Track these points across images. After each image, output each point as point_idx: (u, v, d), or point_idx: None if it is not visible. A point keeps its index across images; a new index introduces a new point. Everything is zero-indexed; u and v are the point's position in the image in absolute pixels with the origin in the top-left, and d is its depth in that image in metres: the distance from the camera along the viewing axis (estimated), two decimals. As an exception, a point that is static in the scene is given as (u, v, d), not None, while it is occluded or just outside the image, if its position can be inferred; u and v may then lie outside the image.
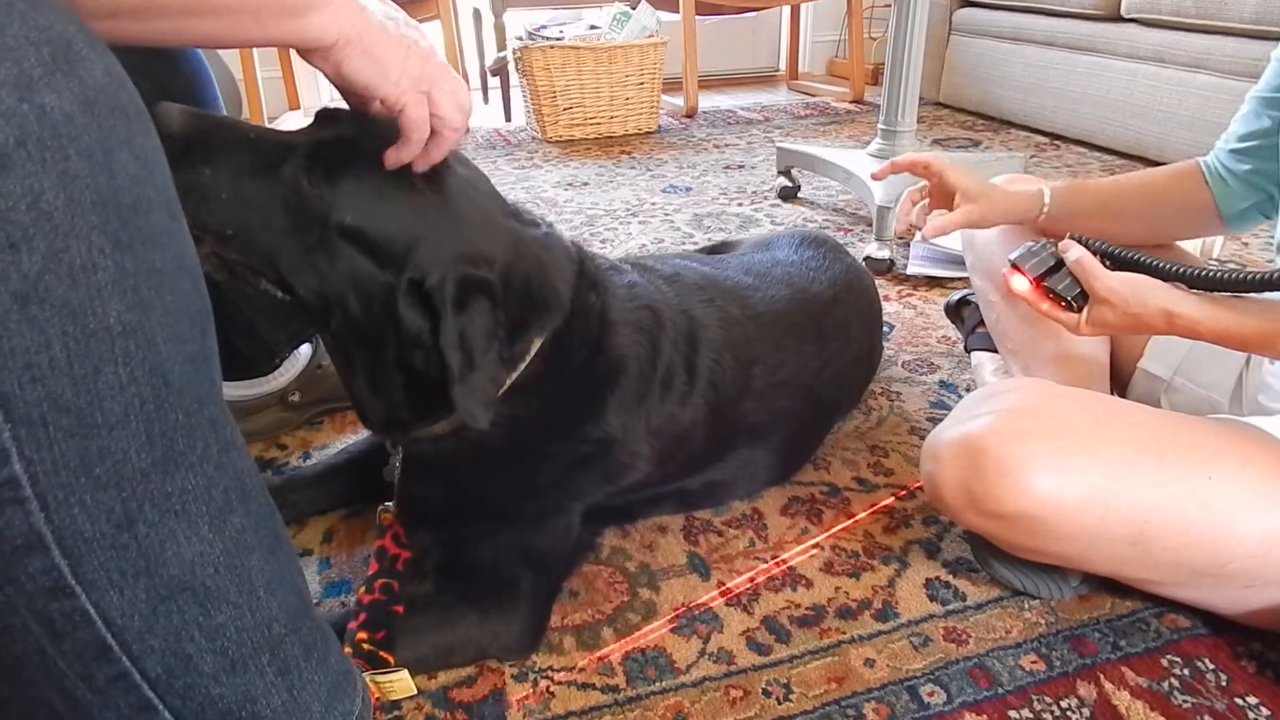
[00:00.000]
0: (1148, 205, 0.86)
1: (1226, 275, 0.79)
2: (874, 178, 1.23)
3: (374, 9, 0.63)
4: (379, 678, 0.74)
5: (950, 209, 1.08)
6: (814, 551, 0.97)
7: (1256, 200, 1.01)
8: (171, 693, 0.50)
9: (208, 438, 0.50)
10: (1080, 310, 0.87)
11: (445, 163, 0.76)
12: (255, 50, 2.76)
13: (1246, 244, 1.89)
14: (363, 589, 0.83)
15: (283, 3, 0.57)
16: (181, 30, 0.55)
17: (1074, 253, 0.86)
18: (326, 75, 0.63)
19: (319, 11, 0.58)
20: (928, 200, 1.13)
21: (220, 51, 2.96)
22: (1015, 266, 0.91)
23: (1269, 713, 0.76)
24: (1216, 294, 0.81)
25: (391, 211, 0.72)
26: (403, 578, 0.85)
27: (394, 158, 0.70)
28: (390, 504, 0.90)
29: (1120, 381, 1.10)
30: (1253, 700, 0.77)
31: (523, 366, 0.81)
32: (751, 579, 0.94)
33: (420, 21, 3.12)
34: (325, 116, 0.75)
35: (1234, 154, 1.01)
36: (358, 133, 0.72)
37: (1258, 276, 0.76)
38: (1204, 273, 0.81)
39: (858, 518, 1.03)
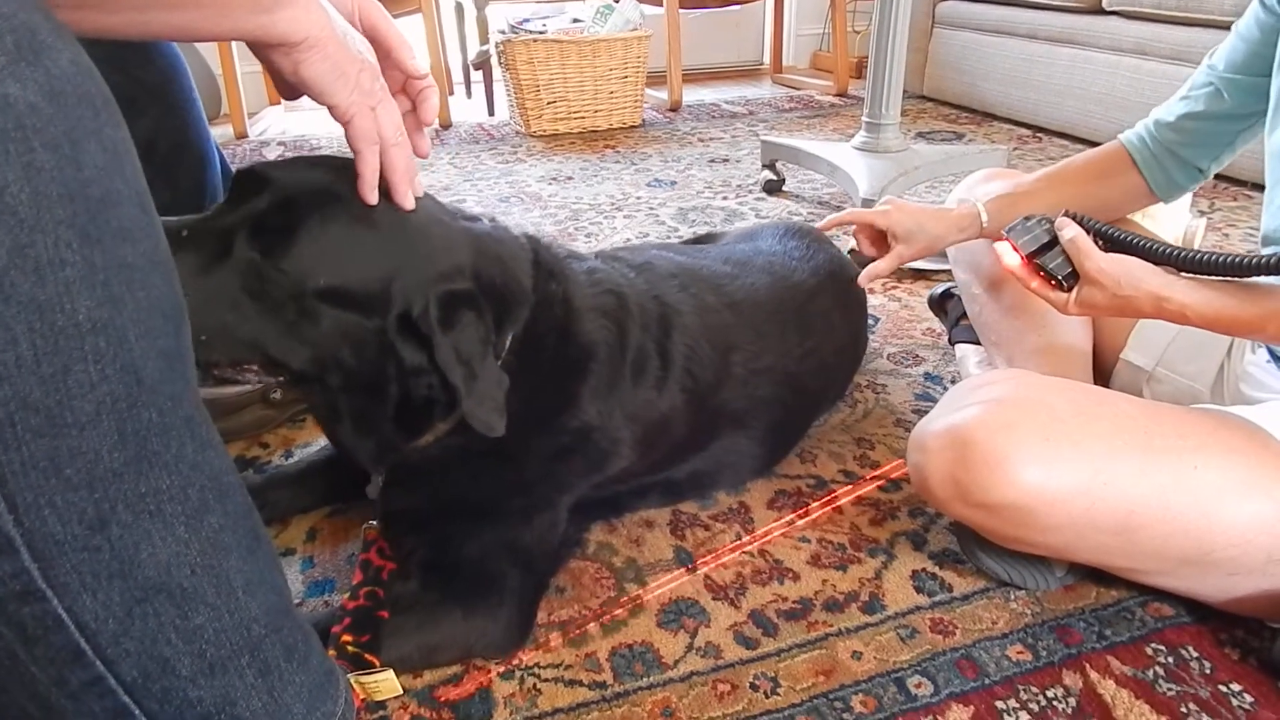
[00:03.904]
0: (1083, 203, 0.88)
1: (1220, 259, 0.78)
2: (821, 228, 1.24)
3: (335, 18, 0.63)
4: (364, 679, 0.74)
5: (883, 248, 1.12)
6: (799, 544, 0.97)
7: (1188, 176, 1.04)
8: (148, 696, 0.49)
9: (183, 436, 0.49)
10: (1070, 290, 0.87)
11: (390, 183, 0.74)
12: (234, 45, 2.73)
13: (1227, 235, 1.90)
14: (347, 596, 0.82)
15: None
16: (149, 22, 0.54)
17: (1069, 231, 0.86)
18: (283, 73, 0.62)
19: (288, 8, 0.58)
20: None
21: (199, 46, 2.93)
22: (1009, 241, 0.90)
23: (1252, 699, 0.77)
24: (1207, 278, 0.81)
25: (360, 256, 0.71)
26: (388, 586, 0.84)
27: (364, 184, 0.69)
28: (374, 522, 0.89)
29: (1103, 372, 1.11)
30: (1236, 687, 0.78)
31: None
32: (719, 556, 0.94)
33: (402, 16, 3.12)
34: (244, 179, 0.72)
35: (1176, 129, 1.02)
36: (290, 188, 0.70)
37: (1250, 261, 0.76)
38: (1198, 256, 0.80)
39: (838, 502, 1.03)
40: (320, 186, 0.71)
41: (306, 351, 0.72)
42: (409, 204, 0.72)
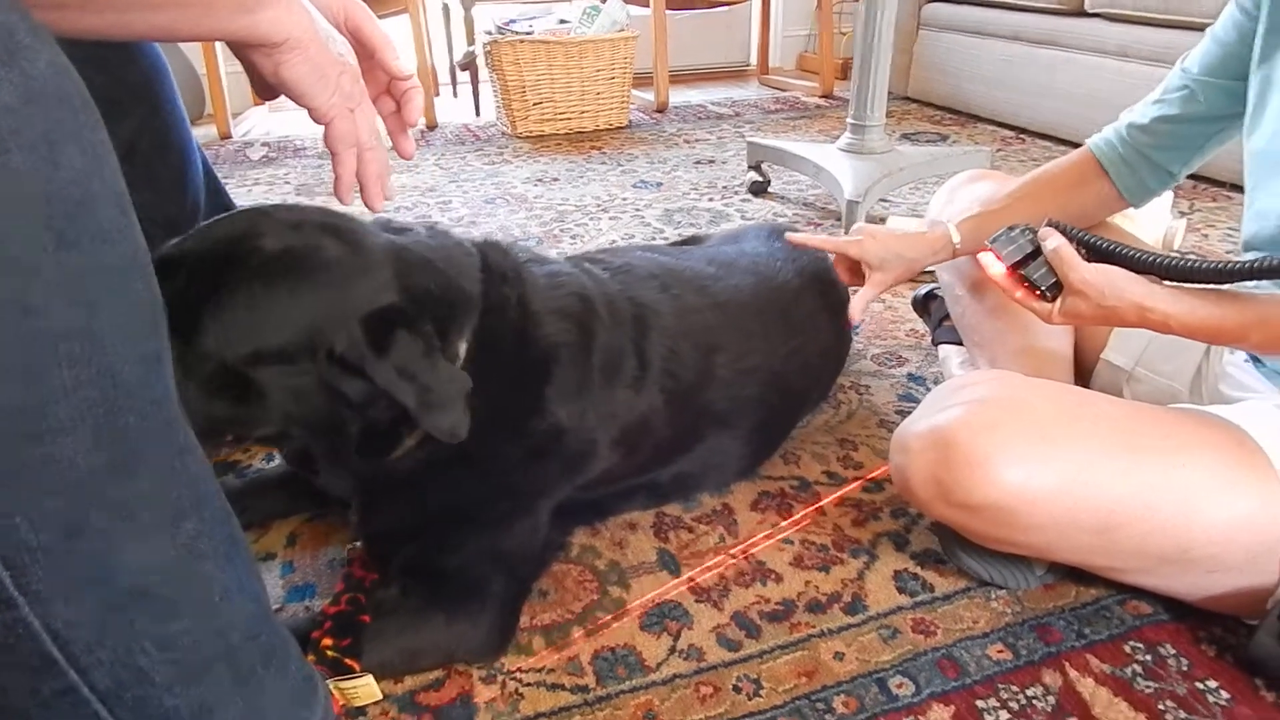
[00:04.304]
0: (1055, 215, 0.89)
1: (1203, 266, 0.78)
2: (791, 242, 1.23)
3: (318, 20, 0.63)
4: (343, 684, 0.73)
5: (858, 275, 1.13)
6: (782, 545, 0.98)
7: (1159, 180, 1.04)
8: (122, 706, 0.48)
9: (161, 441, 0.48)
10: (1054, 300, 0.88)
11: (298, 225, 0.73)
12: (219, 45, 2.71)
13: (1206, 235, 1.92)
14: (329, 602, 0.82)
15: None
16: (131, 22, 0.54)
17: (1052, 242, 0.86)
18: (263, 74, 0.61)
19: (271, 8, 0.57)
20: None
21: (183, 46, 2.91)
22: (992, 252, 0.90)
23: (1229, 696, 0.77)
24: (1191, 286, 0.81)
25: (269, 311, 0.69)
26: (369, 592, 0.84)
27: (341, 186, 0.69)
28: (357, 544, 0.89)
29: (1083, 372, 1.11)
30: (1213, 684, 0.79)
31: None
32: (709, 568, 0.94)
33: (388, 16, 3.10)
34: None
35: (1149, 132, 1.02)
36: (188, 267, 0.69)
37: (1234, 266, 0.76)
38: (1181, 263, 0.80)
39: (821, 504, 1.03)
40: (215, 256, 0.70)
41: (260, 417, 0.72)
42: (379, 206, 0.72)
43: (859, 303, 1.11)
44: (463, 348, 0.80)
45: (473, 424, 0.75)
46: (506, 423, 0.84)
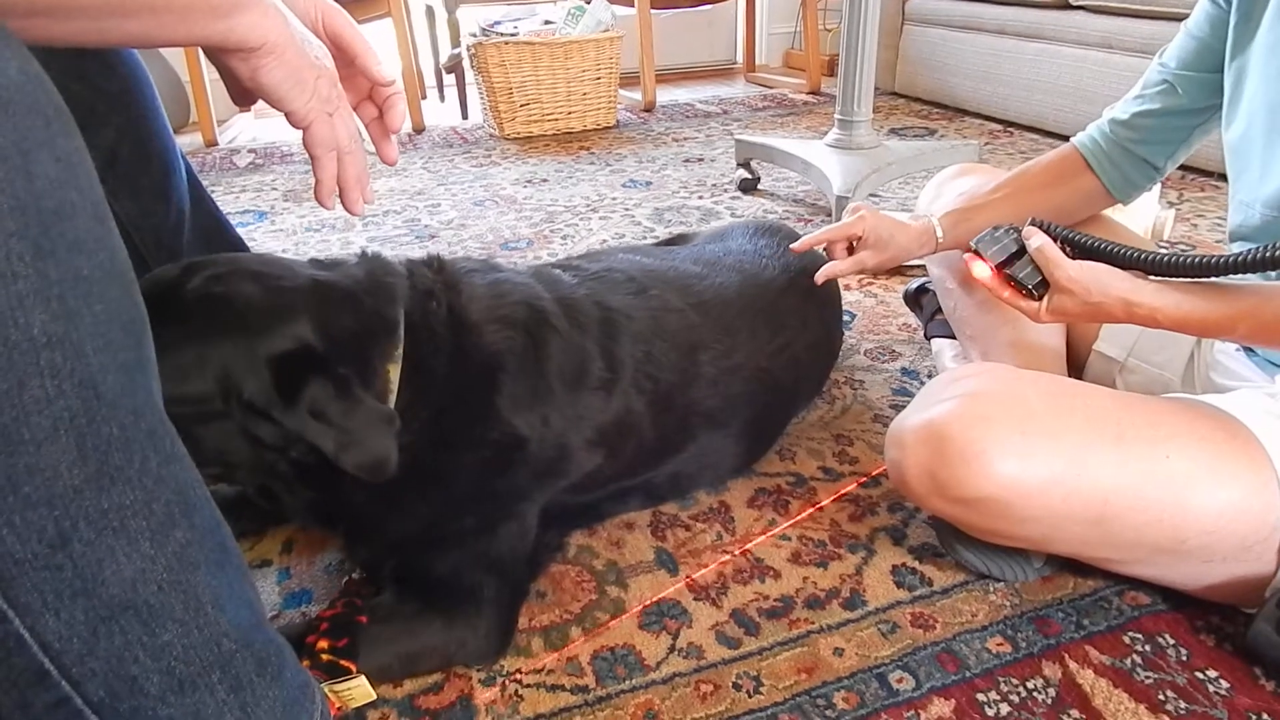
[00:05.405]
0: (1040, 210, 0.88)
1: (1187, 260, 0.78)
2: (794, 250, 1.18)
3: (294, 24, 0.62)
4: (336, 687, 0.73)
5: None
6: (781, 542, 0.97)
7: (1144, 175, 1.05)
8: (116, 717, 0.48)
9: (146, 450, 0.48)
10: (1041, 298, 0.88)
11: (223, 275, 0.73)
12: (201, 51, 2.69)
13: (1195, 225, 1.93)
14: (325, 608, 0.81)
15: (210, 2, 0.55)
16: (105, 30, 0.53)
17: (1036, 240, 0.86)
18: (240, 79, 0.61)
19: (247, 13, 0.57)
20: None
21: (166, 53, 2.89)
22: (977, 253, 0.90)
23: (1228, 685, 0.77)
24: (1176, 280, 0.81)
25: (176, 359, 0.68)
26: (367, 596, 0.83)
27: (322, 190, 0.69)
28: (354, 575, 0.88)
29: (1076, 364, 1.12)
30: (1212, 673, 0.79)
31: (393, 399, 0.78)
32: (708, 567, 0.93)
33: (371, 20, 3.08)
34: None
35: (1131, 127, 1.02)
36: None
37: (1217, 260, 0.76)
38: (1166, 259, 0.80)
39: (822, 504, 1.03)
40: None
41: (198, 459, 0.72)
42: (359, 210, 0.72)
43: (831, 269, 1.08)
44: (395, 373, 0.78)
45: (425, 442, 0.74)
46: (459, 436, 0.83)
